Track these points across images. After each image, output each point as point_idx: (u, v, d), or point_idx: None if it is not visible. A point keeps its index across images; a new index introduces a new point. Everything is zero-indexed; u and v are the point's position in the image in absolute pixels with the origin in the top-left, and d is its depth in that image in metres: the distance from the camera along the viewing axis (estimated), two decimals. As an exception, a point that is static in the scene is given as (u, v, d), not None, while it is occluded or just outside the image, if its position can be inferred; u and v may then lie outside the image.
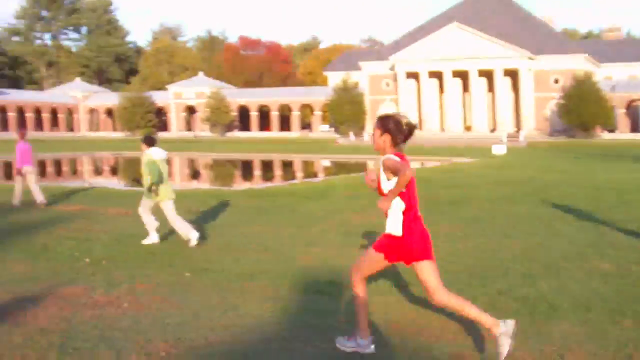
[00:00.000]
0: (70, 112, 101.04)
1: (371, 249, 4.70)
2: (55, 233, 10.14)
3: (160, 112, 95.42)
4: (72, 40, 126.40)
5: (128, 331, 5.26)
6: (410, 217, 4.51)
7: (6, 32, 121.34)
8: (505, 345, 4.34)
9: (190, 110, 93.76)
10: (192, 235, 9.10)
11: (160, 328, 5.35)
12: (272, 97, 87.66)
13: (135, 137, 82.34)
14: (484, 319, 4.46)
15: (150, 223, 9.33)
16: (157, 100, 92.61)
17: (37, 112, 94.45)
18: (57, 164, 39.89)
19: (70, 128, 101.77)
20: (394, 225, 4.53)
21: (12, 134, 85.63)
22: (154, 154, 9.31)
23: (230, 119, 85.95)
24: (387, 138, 4.54)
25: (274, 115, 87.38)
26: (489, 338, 4.73)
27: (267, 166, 36.47)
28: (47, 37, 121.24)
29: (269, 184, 21.93)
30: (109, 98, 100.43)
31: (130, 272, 7.38)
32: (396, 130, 4.53)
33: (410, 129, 4.55)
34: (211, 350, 4.84)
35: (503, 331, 4.37)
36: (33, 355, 4.71)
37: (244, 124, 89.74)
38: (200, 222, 11.04)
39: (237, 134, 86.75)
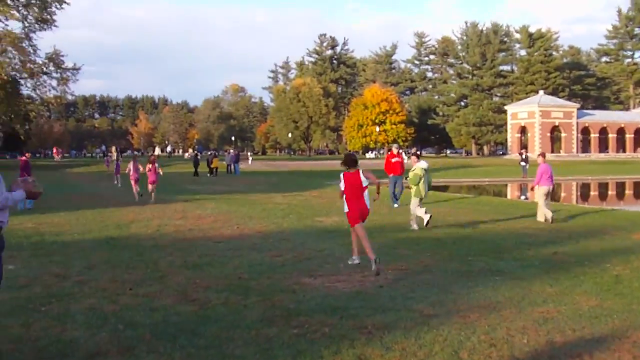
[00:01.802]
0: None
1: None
2: (630, 264, 9.22)
3: None
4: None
5: None
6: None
7: (596, 53, 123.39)
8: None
9: None
10: (414, 224, 13.08)
11: None
12: None
13: None
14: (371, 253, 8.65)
15: (420, 214, 13.15)
16: None
17: (620, 132, 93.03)
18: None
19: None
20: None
21: (593, 155, 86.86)
22: (421, 165, 13.52)
23: None
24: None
25: None
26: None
27: None
28: (637, 55, 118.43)
29: None
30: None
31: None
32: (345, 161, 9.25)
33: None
34: None
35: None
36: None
37: None
38: None
39: None
